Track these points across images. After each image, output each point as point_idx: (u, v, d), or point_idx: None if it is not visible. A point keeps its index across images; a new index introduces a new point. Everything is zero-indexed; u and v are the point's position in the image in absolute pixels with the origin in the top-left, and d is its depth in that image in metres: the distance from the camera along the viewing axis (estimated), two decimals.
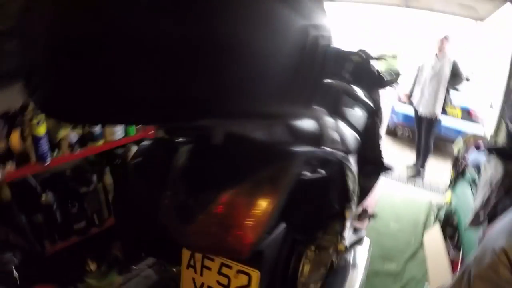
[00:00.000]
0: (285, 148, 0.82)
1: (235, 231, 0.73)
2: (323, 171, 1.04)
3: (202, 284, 0.92)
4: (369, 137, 2.11)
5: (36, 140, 1.41)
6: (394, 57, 2.31)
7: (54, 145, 1.53)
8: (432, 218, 2.89)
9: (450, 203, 2.76)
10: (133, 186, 1.05)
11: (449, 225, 2.57)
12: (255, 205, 0.73)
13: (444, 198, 3.05)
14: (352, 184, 1.44)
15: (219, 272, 0.89)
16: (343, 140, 1.55)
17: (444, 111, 3.66)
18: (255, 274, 0.84)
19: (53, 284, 1.03)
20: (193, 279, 0.94)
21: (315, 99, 0.78)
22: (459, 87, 3.95)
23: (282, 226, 0.93)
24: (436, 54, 3.56)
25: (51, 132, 1.50)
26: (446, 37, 3.53)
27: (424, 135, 3.81)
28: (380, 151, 2.14)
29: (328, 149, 1.07)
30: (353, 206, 1.63)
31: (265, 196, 0.74)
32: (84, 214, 1.76)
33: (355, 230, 1.64)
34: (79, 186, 1.74)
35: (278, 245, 0.94)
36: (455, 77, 3.55)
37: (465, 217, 2.18)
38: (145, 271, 2.03)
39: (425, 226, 2.77)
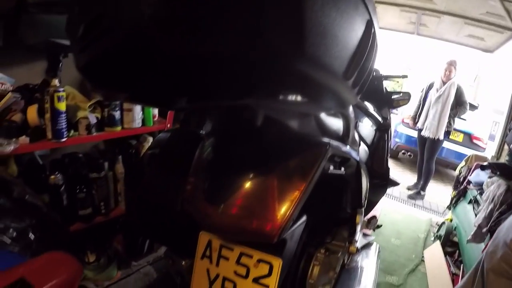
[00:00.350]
0: (318, 139, 0.84)
1: (265, 213, 0.73)
2: (342, 170, 1.04)
3: (217, 275, 0.89)
4: (377, 151, 2.15)
5: (56, 114, 1.39)
6: (404, 77, 2.39)
7: (72, 125, 1.52)
8: (432, 236, 2.93)
9: (451, 221, 2.80)
10: (150, 175, 1.04)
11: (450, 242, 2.63)
12: (284, 190, 0.74)
13: (443, 218, 3.09)
14: (365, 189, 1.47)
15: (238, 262, 0.86)
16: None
17: (447, 134, 3.72)
18: (277, 263, 0.81)
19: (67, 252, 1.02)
20: (208, 270, 0.90)
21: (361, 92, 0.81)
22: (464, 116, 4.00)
23: (304, 219, 0.93)
24: (442, 78, 3.66)
25: (69, 112, 1.49)
26: (452, 62, 3.62)
27: (426, 157, 3.86)
28: (387, 166, 2.17)
29: (350, 148, 1.09)
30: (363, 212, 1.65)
31: (295, 182, 0.75)
32: (91, 201, 1.73)
33: (364, 235, 1.64)
34: (90, 172, 1.72)
35: (299, 238, 0.92)
36: (460, 104, 3.62)
37: (466, 234, 2.22)
38: (145, 268, 2.00)
39: (425, 243, 2.81)
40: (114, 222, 1.88)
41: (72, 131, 1.53)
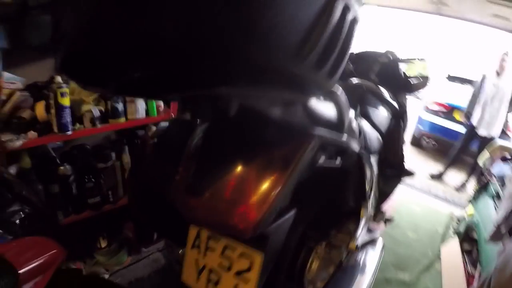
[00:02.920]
0: (301, 128, 0.78)
1: (240, 208, 0.70)
2: (339, 161, 0.99)
3: (204, 266, 0.90)
4: (392, 139, 2.06)
5: (60, 109, 1.44)
6: (422, 60, 2.24)
7: (77, 118, 1.57)
8: (451, 230, 2.79)
9: (471, 216, 2.63)
10: (149, 165, 1.06)
11: (469, 239, 2.47)
12: (262, 183, 0.71)
13: (465, 212, 2.94)
14: (370, 182, 1.41)
15: (222, 254, 0.87)
16: (364, 138, 1.52)
17: (503, 132, 3.52)
18: (258, 259, 0.80)
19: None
20: (196, 260, 0.91)
21: (336, 78, 0.74)
22: None
23: (292, 213, 0.90)
24: (497, 71, 3.41)
25: (74, 106, 1.54)
26: (506, 53, 3.37)
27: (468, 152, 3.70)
28: (402, 155, 2.08)
29: (346, 138, 1.02)
30: (369, 206, 1.59)
31: (273, 175, 0.71)
32: (99, 190, 1.77)
33: (369, 230, 1.59)
34: (97, 162, 1.76)
35: (286, 232, 0.90)
36: None
37: (486, 231, 2.08)
38: (154, 254, 2.06)
39: (443, 238, 2.68)
40: (124, 210, 1.92)
41: (77, 124, 1.58)
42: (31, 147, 1.47)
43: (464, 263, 2.22)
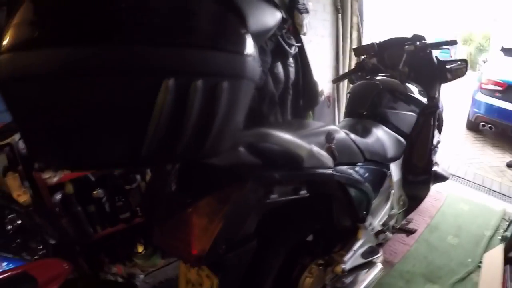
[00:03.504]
0: (240, 172, 0.89)
1: (186, 241, 0.85)
2: (304, 191, 1.07)
3: (189, 280, 1.08)
4: (417, 141, 1.92)
5: None
6: (453, 43, 1.97)
7: None
8: (501, 234, 2.48)
9: None
10: (150, 186, 1.26)
11: None
12: (206, 223, 0.85)
13: None
14: (364, 202, 1.36)
15: (197, 273, 1.04)
16: (371, 150, 1.44)
17: None
18: (216, 281, 0.97)
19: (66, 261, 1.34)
20: (185, 274, 1.09)
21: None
22: None
23: (253, 242, 1.01)
24: None
25: None
26: None
27: None
28: (430, 160, 1.93)
29: (314, 169, 1.06)
30: (373, 224, 1.53)
31: (212, 215, 0.85)
32: (128, 207, 2.01)
33: (372, 253, 1.53)
34: (125, 184, 1.99)
35: (248, 258, 1.01)
36: None
37: None
38: None
39: (489, 244, 2.40)
40: None
41: None
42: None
43: (504, 278, 1.96)
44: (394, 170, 1.75)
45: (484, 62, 5.00)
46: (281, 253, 1.17)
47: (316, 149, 1.04)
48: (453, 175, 3.39)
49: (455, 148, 4.26)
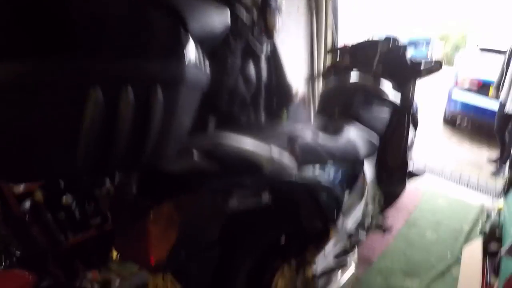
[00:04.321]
0: (193, 179, 0.88)
1: (144, 249, 0.84)
2: (266, 198, 1.05)
3: (156, 286, 1.04)
4: (392, 139, 1.91)
5: None
6: (429, 40, 2.00)
7: None
8: (479, 228, 2.47)
9: (500, 211, 2.31)
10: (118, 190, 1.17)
11: (496, 239, 2.15)
12: (160, 230, 0.84)
13: (497, 204, 2.64)
14: (333, 203, 1.33)
15: (163, 278, 1.01)
16: (342, 150, 1.41)
17: None
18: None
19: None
20: (154, 279, 1.05)
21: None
22: None
23: (216, 250, 1.00)
24: None
25: None
26: None
27: (509, 134, 3.33)
28: (405, 160, 1.92)
29: (274, 175, 1.03)
30: (346, 223, 1.50)
31: (169, 223, 0.85)
32: (98, 211, 1.96)
33: (345, 252, 1.51)
34: (94, 188, 1.92)
35: (212, 265, 1.01)
36: None
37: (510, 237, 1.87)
38: None
39: (468, 238, 2.41)
40: None
41: None
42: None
43: (484, 270, 1.97)
44: (368, 169, 1.73)
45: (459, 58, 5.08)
46: (249, 258, 1.15)
47: (276, 154, 1.00)
48: (431, 170, 3.41)
49: (432, 143, 4.28)
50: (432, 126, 4.67)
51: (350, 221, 1.54)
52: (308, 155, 1.16)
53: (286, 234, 1.31)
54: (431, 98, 4.44)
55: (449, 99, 4.47)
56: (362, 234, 1.65)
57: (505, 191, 2.47)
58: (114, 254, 2.07)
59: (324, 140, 1.31)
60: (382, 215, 2.00)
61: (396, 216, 2.49)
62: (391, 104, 1.86)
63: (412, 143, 2.03)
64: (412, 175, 2.11)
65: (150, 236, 0.84)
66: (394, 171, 1.90)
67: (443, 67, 1.93)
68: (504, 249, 1.63)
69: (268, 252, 1.23)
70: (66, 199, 1.85)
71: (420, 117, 2.32)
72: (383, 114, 1.84)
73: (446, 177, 3.37)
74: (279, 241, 1.31)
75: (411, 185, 2.74)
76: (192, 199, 0.88)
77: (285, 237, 1.32)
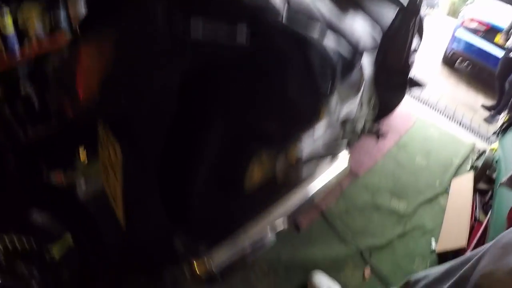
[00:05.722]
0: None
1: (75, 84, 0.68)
2: (241, 40, 0.76)
3: (101, 143, 0.93)
4: (394, 40, 1.68)
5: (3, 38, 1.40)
6: None
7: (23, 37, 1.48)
8: (469, 165, 2.40)
9: (495, 151, 2.22)
10: None
11: (486, 178, 2.10)
12: (92, 59, 0.67)
13: (489, 146, 2.51)
14: (328, 70, 1.06)
15: (106, 134, 0.85)
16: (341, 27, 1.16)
17: None
18: (117, 147, 0.78)
19: None
20: (103, 161, 0.94)
21: None
22: None
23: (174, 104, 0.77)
24: None
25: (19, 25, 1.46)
26: None
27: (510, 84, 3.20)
28: (407, 61, 1.71)
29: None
30: (339, 109, 1.30)
31: (102, 50, 0.66)
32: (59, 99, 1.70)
33: (336, 146, 1.33)
34: None
35: (164, 124, 0.78)
36: None
37: (506, 172, 1.73)
38: None
39: (457, 171, 2.31)
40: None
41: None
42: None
43: (473, 205, 1.88)
44: (366, 63, 1.54)
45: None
46: (220, 130, 0.91)
47: None
48: (425, 101, 3.25)
49: (429, 79, 4.08)
50: (430, 64, 4.43)
51: (343, 110, 1.34)
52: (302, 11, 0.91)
53: (268, 111, 1.09)
54: (431, 37, 4.13)
55: (453, 36, 4.16)
56: (355, 133, 1.47)
57: (502, 132, 2.34)
58: (82, 153, 1.87)
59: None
60: (376, 122, 1.85)
61: (386, 136, 2.35)
62: (399, 3, 1.63)
63: (416, 50, 1.81)
64: (413, 83, 1.92)
65: (80, 68, 0.68)
66: (394, 74, 1.70)
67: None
68: (504, 179, 1.50)
69: (244, 135, 1.01)
70: (24, 86, 1.61)
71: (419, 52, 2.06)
72: (389, 12, 1.63)
73: (440, 111, 3.21)
74: (257, 122, 1.10)
75: (404, 110, 2.63)
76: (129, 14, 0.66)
77: (265, 117, 1.11)
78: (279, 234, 1.16)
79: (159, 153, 0.80)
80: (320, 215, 1.68)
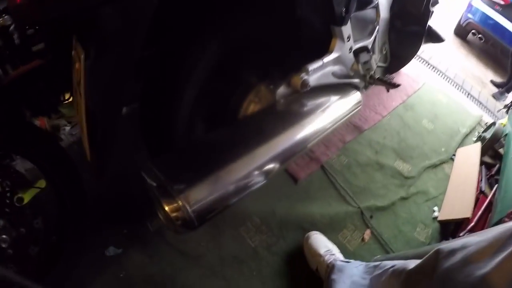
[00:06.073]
0: None
1: None
2: None
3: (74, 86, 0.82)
4: None
5: None
6: None
7: None
8: (476, 135, 2.29)
9: (504, 126, 2.12)
10: None
11: (493, 152, 2.02)
12: None
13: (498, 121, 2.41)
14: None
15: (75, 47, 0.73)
16: None
17: None
18: (82, 57, 0.67)
19: None
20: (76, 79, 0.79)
21: None
22: None
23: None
24: None
25: None
26: None
27: None
28: (427, 9, 1.56)
29: None
30: (352, 39, 1.16)
31: None
32: (41, 35, 1.54)
33: (347, 76, 1.22)
34: None
35: (140, 33, 0.66)
36: None
37: None
38: None
39: (463, 141, 2.20)
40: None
41: None
42: None
43: (479, 176, 1.78)
44: (384, 5, 1.39)
45: None
46: (213, 51, 0.81)
47: None
48: (434, 67, 3.07)
49: (439, 47, 3.92)
50: (442, 32, 4.24)
51: (356, 44, 1.21)
52: None
53: (269, 38, 0.97)
54: (445, 7, 3.92)
55: (469, 7, 3.96)
56: (368, 72, 1.34)
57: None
58: (67, 95, 1.75)
59: None
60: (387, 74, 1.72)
61: (393, 94, 2.21)
62: None
63: (436, 2, 1.65)
64: (431, 35, 1.77)
65: None
66: (411, 21, 1.56)
67: None
68: None
69: (240, 63, 0.92)
70: (3, 20, 1.43)
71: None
72: None
73: (448, 80, 3.05)
74: (258, 52, 0.98)
75: (412, 71, 2.51)
76: None
77: (266, 45, 0.99)
78: (272, 184, 1.04)
79: (131, 64, 0.67)
80: (320, 168, 1.58)
